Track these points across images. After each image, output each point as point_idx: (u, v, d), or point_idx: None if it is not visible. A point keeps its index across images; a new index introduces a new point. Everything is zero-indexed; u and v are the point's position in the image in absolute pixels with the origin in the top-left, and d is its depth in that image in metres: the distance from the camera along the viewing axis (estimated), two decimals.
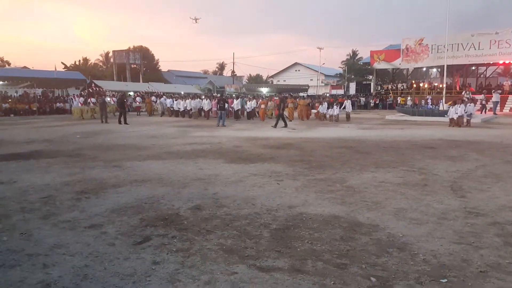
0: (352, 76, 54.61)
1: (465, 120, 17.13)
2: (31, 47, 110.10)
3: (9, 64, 54.41)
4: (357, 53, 59.58)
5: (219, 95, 28.14)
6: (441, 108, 22.66)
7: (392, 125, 17.99)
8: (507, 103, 29.87)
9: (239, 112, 22.48)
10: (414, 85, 37.50)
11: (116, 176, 6.70)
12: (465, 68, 37.13)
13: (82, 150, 9.94)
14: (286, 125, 16.49)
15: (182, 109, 23.79)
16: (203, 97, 26.49)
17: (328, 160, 8.31)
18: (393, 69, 41.49)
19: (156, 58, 59.96)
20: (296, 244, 3.66)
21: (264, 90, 48.75)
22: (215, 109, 20.75)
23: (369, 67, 43.89)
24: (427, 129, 15.64)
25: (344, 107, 21.71)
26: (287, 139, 12.14)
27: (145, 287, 2.88)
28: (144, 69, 53.56)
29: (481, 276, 3.02)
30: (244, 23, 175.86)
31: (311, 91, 50.72)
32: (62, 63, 56.31)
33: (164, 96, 29.65)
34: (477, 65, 37.37)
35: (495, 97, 26.68)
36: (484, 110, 26.31)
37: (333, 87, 52.87)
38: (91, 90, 32.14)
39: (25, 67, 47.60)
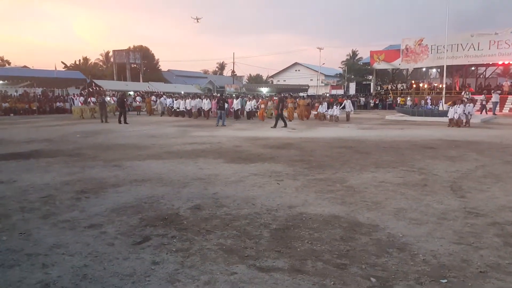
0: (352, 76, 54.66)
1: (464, 120, 17.14)
2: (31, 47, 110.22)
3: (9, 63, 54.40)
4: (357, 53, 59.66)
5: (218, 94, 28.09)
6: (440, 108, 22.67)
7: (392, 125, 18.00)
8: (506, 103, 29.89)
9: (239, 112, 22.48)
10: (414, 85, 37.53)
11: (116, 175, 6.70)
12: (464, 68, 37.15)
13: (82, 149, 9.93)
14: (285, 125, 16.49)
15: (182, 108, 23.81)
16: (203, 96, 26.49)
17: (328, 160, 8.31)
18: (393, 69, 41.50)
19: (156, 57, 60.03)
20: (296, 244, 3.66)
21: (264, 90, 48.75)
22: (215, 109, 20.75)
23: (369, 67, 43.93)
24: (426, 129, 15.65)
25: (344, 107, 21.71)
26: (287, 139, 12.14)
27: (145, 287, 2.87)
28: (144, 68, 53.56)
29: (481, 276, 3.02)
30: (244, 23, 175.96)
31: (311, 91, 50.72)
32: (62, 62, 56.33)
33: (164, 96, 29.65)
34: (477, 66, 37.39)
35: (495, 97, 26.69)
36: (484, 111, 26.31)
37: (333, 87, 52.89)
38: (91, 90, 32.12)
39: (25, 66, 47.57)
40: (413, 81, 39.45)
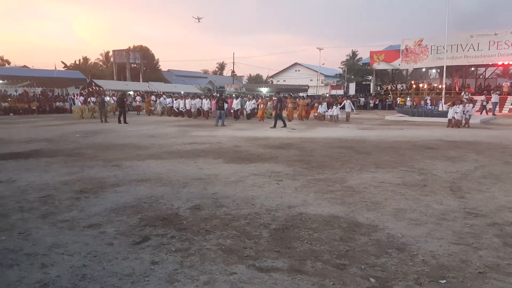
0: (352, 77, 54.72)
1: (463, 121, 17.14)
2: (31, 46, 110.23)
3: (9, 63, 54.42)
4: (357, 53, 59.75)
5: (218, 94, 28.10)
6: (440, 108, 22.69)
7: (392, 126, 18.00)
8: (506, 104, 29.91)
9: (239, 112, 22.48)
10: (414, 86, 37.56)
11: (115, 175, 6.69)
12: (464, 69, 37.19)
13: (82, 149, 9.93)
14: (285, 125, 16.49)
15: (181, 108, 23.80)
16: (202, 96, 26.49)
17: (327, 160, 8.31)
18: (392, 69, 41.53)
19: (156, 57, 60.04)
20: (296, 244, 3.66)
21: (264, 90, 48.73)
22: (215, 109, 20.74)
23: (369, 67, 43.96)
24: (426, 130, 15.65)
25: (343, 107, 21.70)
26: (286, 139, 12.14)
27: (144, 287, 2.87)
28: (144, 68, 53.57)
29: (480, 277, 3.02)
30: (244, 23, 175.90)
31: (311, 91, 50.70)
32: (62, 62, 56.38)
33: (163, 96, 29.65)
34: (476, 66, 37.43)
35: (494, 98, 26.72)
36: (485, 111, 26.33)
37: (332, 87, 52.91)
38: (91, 90, 32.11)
39: (25, 66, 47.58)
40: (412, 82, 39.49)
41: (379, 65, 39.91)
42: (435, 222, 4.28)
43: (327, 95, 43.62)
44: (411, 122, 20.45)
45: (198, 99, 24.28)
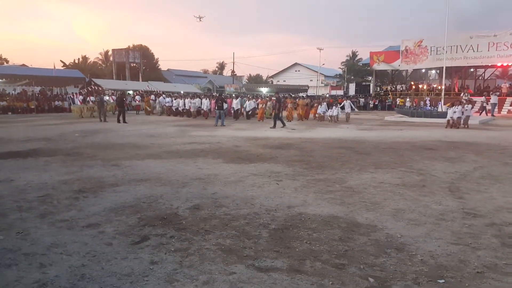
0: (352, 77, 54.75)
1: (462, 121, 17.16)
2: (30, 45, 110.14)
3: (7, 61, 54.34)
4: (357, 54, 59.79)
5: (217, 94, 28.09)
6: (439, 109, 22.71)
7: (391, 126, 18.02)
8: (504, 105, 29.96)
9: (238, 112, 22.48)
10: (413, 87, 37.56)
11: (114, 175, 6.69)
12: (463, 70, 37.24)
13: (81, 148, 9.92)
14: (284, 125, 16.49)
15: (181, 108, 23.79)
16: (202, 96, 26.48)
17: (327, 160, 8.31)
18: (392, 70, 41.55)
19: (155, 57, 60.06)
20: (295, 244, 3.66)
21: (264, 90, 48.77)
22: (214, 108, 20.73)
23: (369, 68, 44.00)
24: (425, 131, 15.67)
25: (343, 107, 21.71)
26: (286, 139, 12.15)
27: (143, 287, 2.87)
28: (144, 68, 53.54)
29: (478, 277, 3.03)
30: (244, 23, 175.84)
31: (310, 92, 50.75)
32: (61, 61, 56.29)
33: (163, 95, 29.65)
34: (476, 67, 37.49)
35: (493, 99, 26.76)
36: (484, 112, 26.37)
37: (332, 87, 52.96)
38: (90, 89, 32.09)
39: (23, 65, 47.56)
40: (412, 82, 39.46)
41: (379, 66, 39.95)
42: (433, 222, 4.29)
43: (327, 95, 43.64)
44: (410, 122, 20.47)
45: (197, 98, 24.28)
